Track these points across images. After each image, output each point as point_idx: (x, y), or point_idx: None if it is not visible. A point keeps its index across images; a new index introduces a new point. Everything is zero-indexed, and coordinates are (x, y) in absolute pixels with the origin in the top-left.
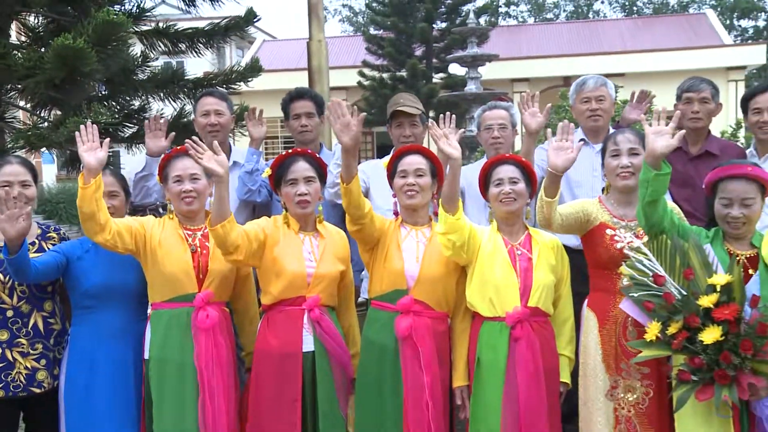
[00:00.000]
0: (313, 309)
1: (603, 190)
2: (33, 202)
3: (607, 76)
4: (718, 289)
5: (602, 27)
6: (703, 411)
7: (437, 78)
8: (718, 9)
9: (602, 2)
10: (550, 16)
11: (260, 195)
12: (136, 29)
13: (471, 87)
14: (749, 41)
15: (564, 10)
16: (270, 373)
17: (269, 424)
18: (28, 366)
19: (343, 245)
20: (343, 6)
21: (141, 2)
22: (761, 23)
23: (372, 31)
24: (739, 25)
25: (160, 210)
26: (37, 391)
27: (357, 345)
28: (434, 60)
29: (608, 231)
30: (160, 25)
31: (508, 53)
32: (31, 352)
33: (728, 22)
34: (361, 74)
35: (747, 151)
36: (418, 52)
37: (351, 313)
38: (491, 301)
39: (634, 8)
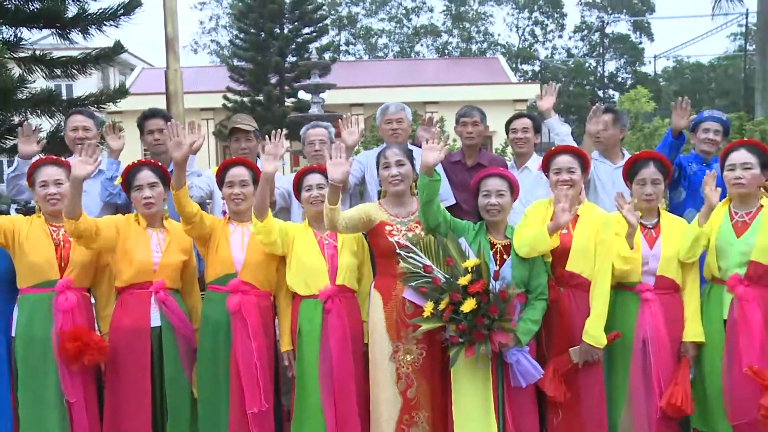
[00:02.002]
0: (159, 291)
1: (379, 194)
2: None
3: (425, 103)
4: (470, 270)
5: (421, 64)
6: (470, 363)
7: (288, 102)
8: (507, 55)
9: (421, 45)
10: (380, 54)
11: (120, 197)
12: (13, 56)
13: (314, 110)
14: (528, 81)
15: (392, 50)
16: (123, 346)
17: (124, 390)
18: None
19: (187, 238)
20: (211, 41)
21: (19, 32)
22: (536, 68)
23: (235, 62)
24: (522, 69)
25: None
26: None
27: (199, 321)
28: (286, 87)
29: (387, 227)
30: (37, 52)
31: (347, 83)
32: None
33: (514, 65)
34: (226, 98)
35: (509, 163)
36: (273, 81)
37: (194, 294)
38: (306, 282)
39: (446, 51)
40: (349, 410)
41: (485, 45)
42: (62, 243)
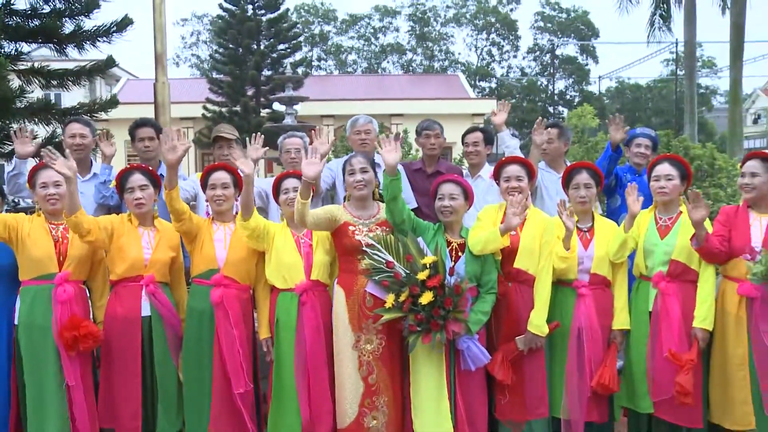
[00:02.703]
0: (149, 284)
1: (344, 198)
2: None
3: (391, 116)
4: (428, 266)
5: (388, 80)
6: (426, 349)
7: (264, 113)
8: (466, 73)
9: (388, 62)
10: (350, 69)
11: (113, 199)
12: (14, 69)
13: (288, 120)
14: (486, 97)
15: (360, 66)
16: (116, 334)
17: (117, 373)
18: None
19: (175, 237)
20: (192, 55)
21: (20, 46)
22: (493, 85)
23: (214, 75)
24: (480, 85)
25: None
26: None
27: (185, 311)
28: (261, 99)
29: (350, 227)
30: (36, 65)
31: (319, 96)
32: None
33: (472, 82)
34: (205, 108)
35: (464, 171)
36: (250, 93)
37: (181, 288)
38: (284, 277)
39: (411, 68)
40: (322, 392)
41: (446, 63)
42: (61, 239)
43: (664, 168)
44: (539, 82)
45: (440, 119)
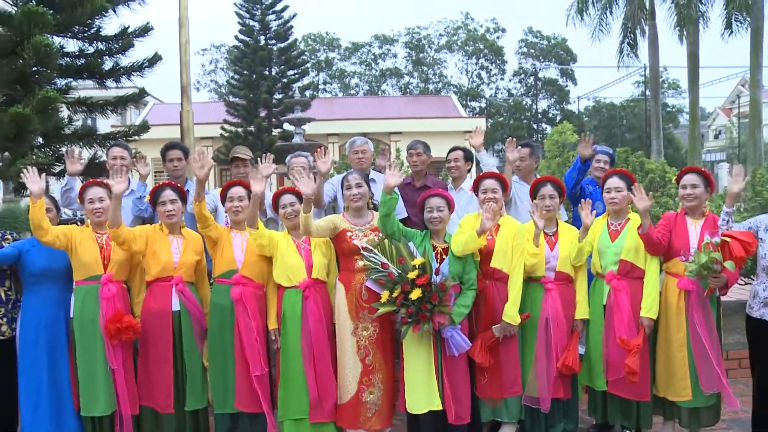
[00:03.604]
0: (178, 283)
1: (345, 208)
2: None
3: (390, 134)
4: (417, 267)
5: (387, 101)
6: (416, 337)
7: (276, 132)
8: (458, 94)
9: (387, 85)
10: (353, 92)
11: (147, 212)
12: (64, 101)
13: (297, 139)
14: (476, 116)
15: (362, 89)
16: (151, 326)
17: (152, 359)
18: None
19: (199, 243)
20: (211, 81)
21: (68, 82)
22: (483, 105)
23: (231, 99)
24: (471, 105)
25: (78, 223)
26: (2, 338)
27: (209, 306)
28: (273, 120)
29: (348, 233)
30: (81, 97)
31: (325, 116)
32: None
33: (464, 102)
34: (223, 129)
35: (448, 186)
36: (262, 114)
37: (205, 286)
38: (288, 277)
39: (408, 90)
40: (326, 373)
41: (440, 85)
42: (105, 246)
43: (614, 181)
44: (524, 102)
45: (434, 136)
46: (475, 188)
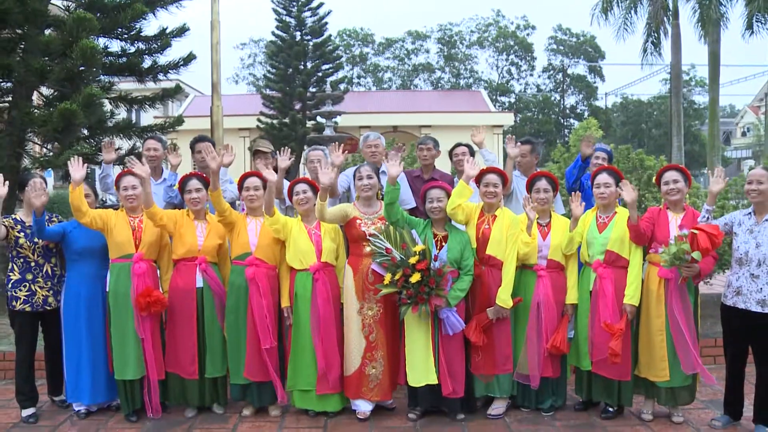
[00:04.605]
0: (201, 263)
1: (356, 197)
2: (47, 195)
3: (420, 127)
4: (418, 253)
5: (419, 95)
6: (415, 317)
7: (309, 124)
8: (488, 89)
9: (419, 79)
10: (385, 86)
11: (177, 199)
12: (107, 97)
13: (327, 131)
14: (505, 110)
15: (395, 83)
16: (177, 301)
17: (178, 329)
18: (43, 294)
19: (221, 228)
20: (249, 74)
21: (110, 79)
22: (512, 100)
23: (267, 92)
24: (500, 100)
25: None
26: (48, 308)
27: (227, 285)
28: (307, 112)
29: (358, 221)
30: (122, 92)
31: (359, 109)
32: (44, 286)
33: (494, 97)
34: (259, 120)
35: (454, 179)
36: (297, 107)
37: (227, 266)
38: (300, 260)
39: (439, 84)
40: (332, 347)
41: (471, 80)
42: (137, 228)
43: (603, 177)
44: (552, 98)
45: (463, 130)
46: (478, 181)
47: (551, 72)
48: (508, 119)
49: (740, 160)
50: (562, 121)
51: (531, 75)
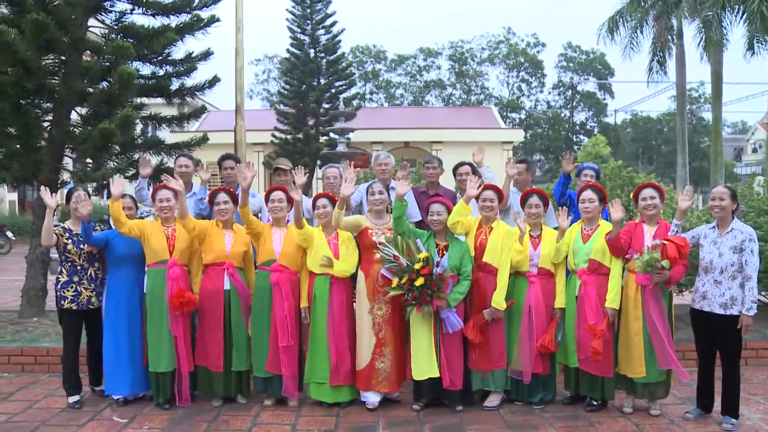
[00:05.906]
0: (229, 268)
1: (369, 210)
2: (91, 204)
3: (431, 143)
4: (422, 260)
5: (430, 111)
6: (419, 317)
7: (322, 140)
8: (498, 105)
9: (431, 95)
10: (397, 102)
11: (206, 211)
12: (139, 117)
13: (340, 147)
14: (515, 127)
15: (407, 99)
16: (207, 302)
17: (207, 329)
18: (88, 295)
19: (247, 236)
20: (264, 89)
21: (141, 100)
22: (522, 116)
23: (281, 107)
24: (510, 116)
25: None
26: (92, 307)
27: (253, 288)
28: (320, 128)
29: (370, 231)
30: (152, 113)
31: (370, 125)
32: (88, 287)
33: (504, 114)
34: (273, 135)
35: (456, 195)
36: (311, 123)
37: (251, 271)
38: (320, 266)
39: (450, 101)
40: (345, 344)
41: (482, 97)
42: (170, 237)
43: (587, 194)
44: (563, 114)
45: (474, 147)
46: (477, 197)
47: (561, 89)
48: (518, 135)
49: (753, 175)
50: (571, 137)
51: (541, 92)
